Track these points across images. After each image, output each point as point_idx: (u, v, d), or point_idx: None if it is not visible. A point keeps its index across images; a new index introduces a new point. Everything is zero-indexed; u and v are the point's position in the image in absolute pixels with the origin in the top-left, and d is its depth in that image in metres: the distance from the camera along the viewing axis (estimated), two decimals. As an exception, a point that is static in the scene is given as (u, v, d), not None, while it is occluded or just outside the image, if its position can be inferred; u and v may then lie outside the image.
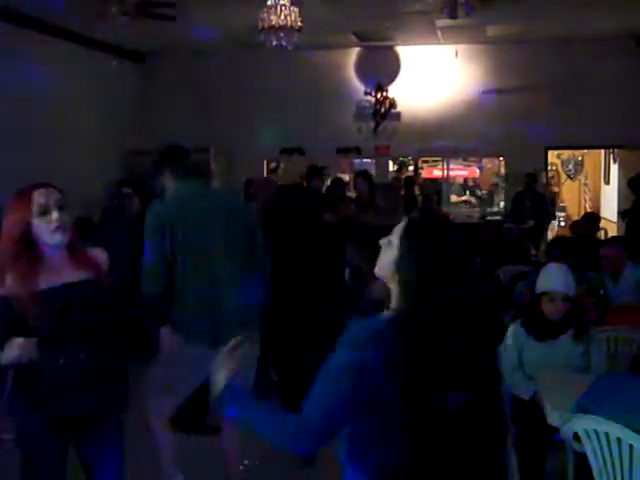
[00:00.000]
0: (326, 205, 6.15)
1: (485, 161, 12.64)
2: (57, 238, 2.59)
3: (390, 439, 1.80)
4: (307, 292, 4.73)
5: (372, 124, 11.15)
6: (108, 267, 2.80)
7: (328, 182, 8.75)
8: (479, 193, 12.92)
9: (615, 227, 10.94)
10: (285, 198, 5.06)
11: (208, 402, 4.51)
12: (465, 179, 13.23)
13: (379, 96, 11.07)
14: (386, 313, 1.91)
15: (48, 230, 2.57)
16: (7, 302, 2.54)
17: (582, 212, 12.53)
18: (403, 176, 12.10)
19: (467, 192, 12.98)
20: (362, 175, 7.46)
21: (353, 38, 10.55)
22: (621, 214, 9.58)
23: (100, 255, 2.81)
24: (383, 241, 1.99)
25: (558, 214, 12.80)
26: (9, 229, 2.59)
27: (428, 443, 1.80)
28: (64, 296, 2.58)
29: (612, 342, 4.28)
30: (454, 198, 12.50)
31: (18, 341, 2.45)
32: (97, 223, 7.34)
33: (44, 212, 2.57)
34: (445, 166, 11.93)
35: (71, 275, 2.64)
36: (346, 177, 11.82)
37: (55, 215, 2.57)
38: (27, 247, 2.58)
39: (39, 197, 2.57)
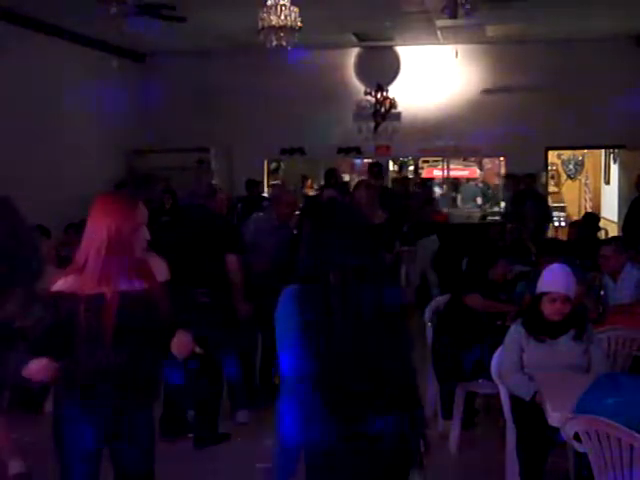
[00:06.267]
0: None
1: (485, 161, 12.62)
2: (140, 254, 2.74)
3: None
4: None
5: (372, 124, 11.15)
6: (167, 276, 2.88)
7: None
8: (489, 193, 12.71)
9: (615, 227, 10.93)
10: None
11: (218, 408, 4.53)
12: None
13: (379, 96, 11.07)
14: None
15: (140, 243, 2.71)
16: (58, 300, 2.64)
17: (582, 212, 12.53)
18: (398, 177, 12.08)
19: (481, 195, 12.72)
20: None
21: (353, 38, 10.55)
22: None
23: (159, 265, 2.87)
24: None
25: (558, 214, 12.79)
26: (124, 235, 2.66)
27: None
28: (117, 303, 2.66)
29: (612, 342, 4.28)
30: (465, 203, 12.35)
31: (41, 362, 2.57)
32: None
33: (139, 229, 2.72)
34: (445, 166, 11.93)
35: (124, 283, 2.71)
36: (346, 177, 11.87)
37: (146, 234, 2.73)
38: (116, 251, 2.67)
39: (140, 215, 2.74)
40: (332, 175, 10.14)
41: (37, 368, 2.58)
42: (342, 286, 2.28)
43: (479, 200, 12.41)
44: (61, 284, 2.67)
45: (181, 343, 2.78)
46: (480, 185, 12.78)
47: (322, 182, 11.68)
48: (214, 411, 4.99)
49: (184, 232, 5.06)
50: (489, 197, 12.57)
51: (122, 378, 2.71)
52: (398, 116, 11.18)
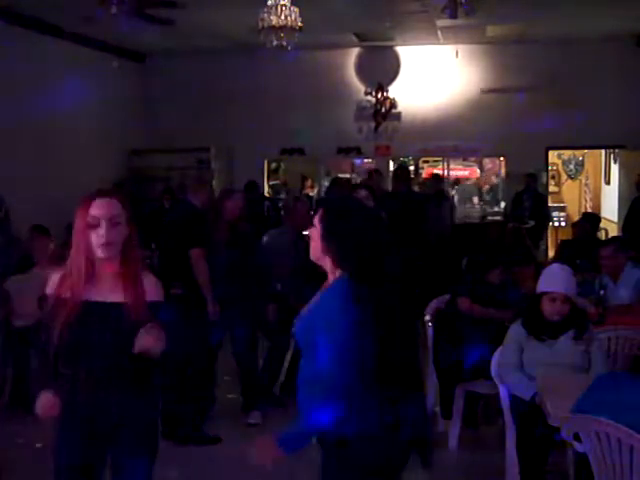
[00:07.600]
0: None
1: (485, 161, 12.62)
2: (100, 254, 2.58)
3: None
4: None
5: (372, 124, 11.15)
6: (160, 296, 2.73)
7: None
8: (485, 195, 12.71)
9: (615, 227, 10.93)
10: None
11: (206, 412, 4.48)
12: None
13: (379, 96, 11.07)
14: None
15: (95, 244, 2.57)
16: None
17: (582, 212, 12.52)
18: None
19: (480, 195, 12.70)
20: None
21: (353, 38, 10.55)
22: None
23: (152, 283, 2.72)
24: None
25: (558, 214, 12.79)
26: (74, 235, 2.61)
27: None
28: (85, 313, 2.58)
29: (612, 342, 4.28)
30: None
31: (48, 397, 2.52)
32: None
33: (94, 225, 2.56)
34: (445, 166, 11.92)
35: (102, 294, 2.62)
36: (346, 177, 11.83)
37: (103, 231, 2.55)
38: (87, 256, 2.59)
39: (94, 208, 2.57)
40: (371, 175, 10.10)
41: (45, 405, 2.53)
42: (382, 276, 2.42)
43: (475, 200, 12.42)
44: (52, 285, 2.64)
45: (148, 336, 2.56)
46: (484, 186, 12.79)
47: (321, 182, 11.71)
48: (199, 410, 5.00)
49: (163, 227, 5.27)
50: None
51: (102, 387, 2.60)
52: (398, 116, 11.18)
